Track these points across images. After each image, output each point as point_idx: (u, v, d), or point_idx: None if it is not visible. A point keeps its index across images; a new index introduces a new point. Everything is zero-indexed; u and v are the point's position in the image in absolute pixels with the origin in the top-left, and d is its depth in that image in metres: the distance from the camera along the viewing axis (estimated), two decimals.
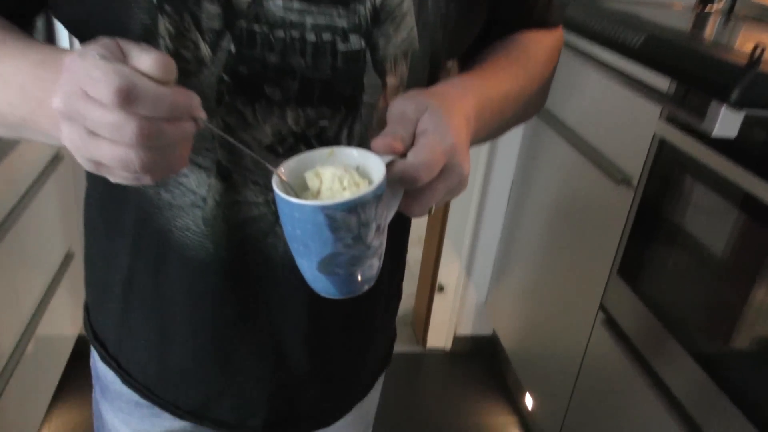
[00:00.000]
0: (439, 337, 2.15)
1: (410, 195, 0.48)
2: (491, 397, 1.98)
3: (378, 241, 0.47)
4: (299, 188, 0.48)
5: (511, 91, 0.61)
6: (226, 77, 0.50)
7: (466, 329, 2.16)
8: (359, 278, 0.48)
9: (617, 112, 1.34)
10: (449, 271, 2.05)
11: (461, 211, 1.95)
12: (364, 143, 0.56)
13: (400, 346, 2.16)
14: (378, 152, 0.46)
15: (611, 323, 1.32)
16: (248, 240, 0.57)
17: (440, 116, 0.48)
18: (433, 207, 0.49)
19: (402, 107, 0.49)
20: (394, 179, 0.46)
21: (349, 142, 0.56)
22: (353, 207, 0.42)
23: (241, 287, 0.60)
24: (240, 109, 0.52)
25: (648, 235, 1.22)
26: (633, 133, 1.27)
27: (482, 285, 2.09)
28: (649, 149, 1.21)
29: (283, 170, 0.47)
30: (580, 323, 1.44)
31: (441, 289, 2.06)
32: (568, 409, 1.50)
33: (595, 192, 1.41)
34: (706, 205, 1.08)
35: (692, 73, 0.99)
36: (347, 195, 0.44)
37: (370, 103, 0.55)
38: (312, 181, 0.47)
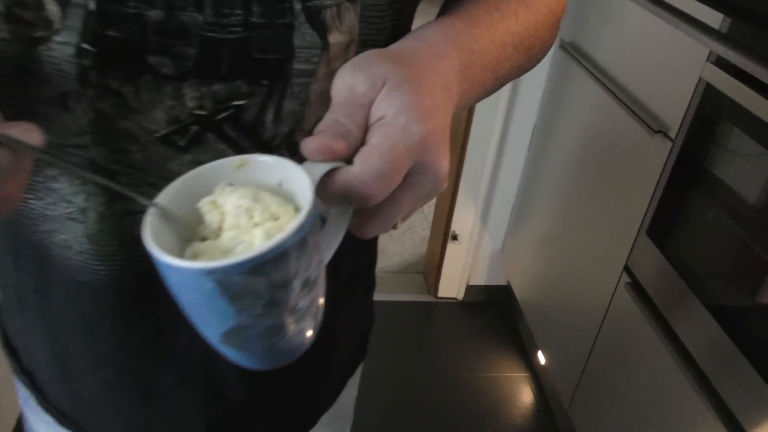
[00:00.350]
0: (451, 286, 2.07)
1: (363, 213, 0.35)
2: (503, 350, 1.91)
3: (308, 300, 0.33)
4: (193, 223, 0.35)
5: (509, 34, 0.45)
6: (87, 46, 0.36)
7: (480, 279, 2.07)
8: (285, 348, 0.35)
9: (658, 52, 1.18)
10: (464, 219, 1.94)
11: (479, 155, 1.82)
12: (300, 126, 0.43)
13: (410, 295, 2.09)
14: (312, 158, 0.33)
15: (636, 286, 1.21)
16: (149, 260, 0.47)
17: (404, 94, 0.34)
18: (398, 222, 0.37)
19: (349, 82, 0.35)
20: (337, 196, 0.33)
21: (278, 126, 0.42)
22: (258, 267, 0.29)
23: (148, 313, 0.48)
24: (116, 90, 0.38)
25: (683, 193, 1.09)
26: (675, 76, 1.12)
27: (498, 234, 1.98)
28: (692, 96, 1.06)
29: (166, 197, 0.33)
30: (602, 283, 1.34)
31: (455, 238, 1.96)
32: (585, 368, 1.42)
33: (627, 142, 1.27)
34: (750, 161, 0.94)
35: (748, 8, 0.84)
36: (251, 248, 0.31)
37: (305, 71, 0.41)
38: (209, 214, 0.34)
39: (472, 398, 1.74)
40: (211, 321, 0.32)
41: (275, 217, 0.33)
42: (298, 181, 0.33)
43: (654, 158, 1.16)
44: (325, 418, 0.69)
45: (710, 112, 1.03)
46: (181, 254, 0.34)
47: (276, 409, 0.61)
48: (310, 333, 0.36)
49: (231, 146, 0.42)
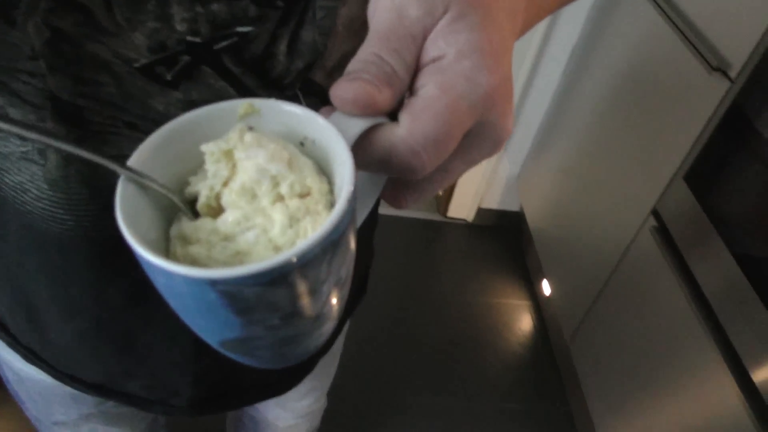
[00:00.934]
0: (462, 208, 2.01)
1: (402, 181, 0.28)
2: (507, 277, 1.89)
3: (335, 301, 0.26)
4: (180, 183, 0.26)
5: None
6: None
7: (492, 203, 2.01)
8: (298, 353, 0.28)
9: None
10: None
11: None
12: (320, 63, 0.34)
13: (418, 212, 2.04)
14: (345, 110, 0.25)
15: (662, 231, 1.15)
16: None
17: (470, 28, 0.25)
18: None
19: (397, 2, 0.25)
20: (374, 163, 0.25)
21: (292, 61, 0.33)
22: (279, 278, 0.22)
23: (127, 267, 0.41)
24: (80, 4, 0.29)
25: (732, 140, 1.00)
26: (747, 7, 1.00)
27: (517, 158, 1.90)
28: (764, 33, 0.95)
29: (144, 155, 0.24)
30: (625, 223, 1.28)
31: None
32: (593, 305, 1.39)
33: (679, 76, 1.16)
34: None
35: None
36: (264, 241, 0.23)
37: None
38: (215, 165, 0.25)
39: (472, 322, 1.73)
40: (209, 329, 0.25)
41: (304, 193, 0.24)
42: (330, 144, 0.24)
43: (706, 98, 1.06)
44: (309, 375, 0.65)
45: None
46: (165, 232, 0.25)
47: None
48: (328, 333, 0.29)
49: (232, 84, 0.33)
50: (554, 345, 1.69)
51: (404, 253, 1.90)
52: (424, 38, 0.26)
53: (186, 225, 0.25)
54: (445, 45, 0.25)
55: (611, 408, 1.28)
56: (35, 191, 0.37)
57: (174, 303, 0.25)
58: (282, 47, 0.33)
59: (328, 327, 0.28)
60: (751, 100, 0.98)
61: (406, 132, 0.24)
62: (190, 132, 0.26)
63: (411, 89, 0.26)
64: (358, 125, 0.25)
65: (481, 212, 2.02)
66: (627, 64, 1.38)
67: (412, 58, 0.26)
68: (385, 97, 0.25)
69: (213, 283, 0.21)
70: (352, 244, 0.25)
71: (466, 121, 0.25)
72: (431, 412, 1.50)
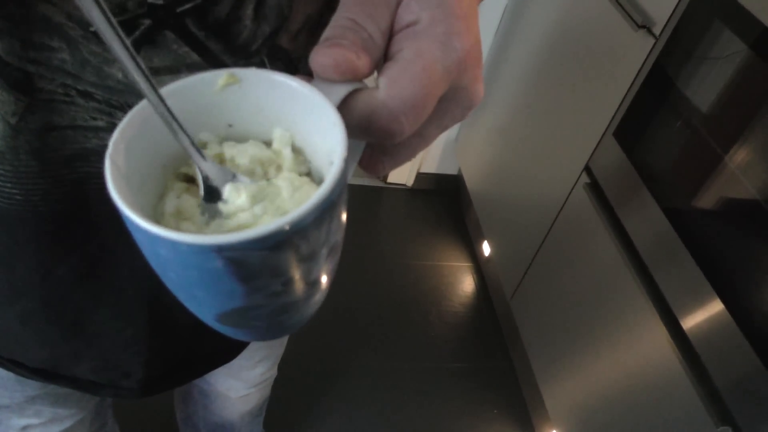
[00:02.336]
0: (402, 173, 2.01)
1: (379, 147, 0.28)
2: (448, 239, 1.91)
3: (330, 266, 0.27)
4: (166, 150, 0.26)
5: None
6: None
7: (431, 167, 2.02)
8: (293, 322, 0.28)
9: None
10: None
11: None
12: (286, 26, 0.33)
13: (359, 179, 2.03)
14: (326, 75, 0.25)
15: (594, 187, 1.19)
16: (85, 183, 0.36)
17: None
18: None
19: None
20: (353, 128, 0.25)
21: (259, 25, 0.32)
22: (286, 239, 0.22)
23: (78, 243, 0.39)
24: None
25: (657, 96, 1.03)
26: None
27: None
28: None
29: (132, 125, 0.24)
30: (560, 181, 1.31)
31: None
32: (532, 263, 1.43)
33: (606, 35, 1.19)
34: (733, 67, 0.89)
35: None
36: (273, 206, 0.24)
37: None
38: (199, 141, 0.25)
39: (415, 284, 1.75)
40: (208, 301, 0.25)
41: (297, 167, 0.25)
42: (316, 109, 0.24)
43: (633, 56, 1.09)
44: None
45: (702, 9, 0.95)
46: (157, 201, 0.25)
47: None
48: (320, 301, 0.29)
49: (195, 49, 0.32)
50: (496, 304, 1.73)
51: (346, 220, 1.89)
52: (398, 4, 0.26)
53: (180, 193, 0.25)
54: (418, 10, 0.26)
55: (551, 360, 1.33)
56: None
57: (174, 276, 0.24)
58: (248, 11, 0.32)
59: (321, 294, 0.28)
60: (672, 58, 1.00)
61: (385, 96, 0.25)
62: (172, 104, 0.25)
63: (386, 54, 0.26)
64: (339, 91, 0.25)
65: (420, 176, 2.03)
66: (556, 23, 1.39)
67: (387, 24, 0.26)
68: (363, 63, 0.25)
69: (220, 249, 0.21)
70: (345, 207, 0.26)
71: (441, 84, 0.25)
72: (378, 375, 1.52)
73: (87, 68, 0.31)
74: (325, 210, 0.22)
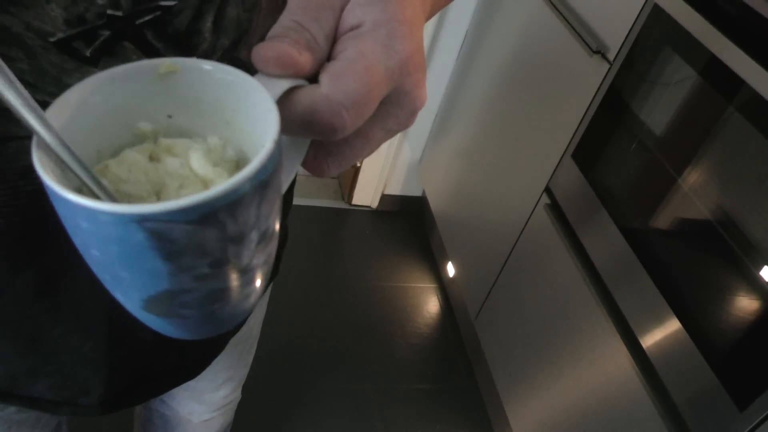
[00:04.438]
0: (366, 194, 2.02)
1: (324, 147, 0.28)
2: (413, 261, 1.92)
3: (263, 255, 0.26)
4: (119, 143, 0.26)
5: None
6: None
7: (395, 189, 2.03)
8: (226, 315, 0.28)
9: None
10: None
11: None
12: (245, 39, 0.34)
13: (324, 201, 2.02)
14: (266, 70, 0.25)
15: (554, 208, 1.21)
16: (41, 195, 0.36)
17: (387, 0, 0.27)
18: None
19: None
20: (295, 123, 0.26)
21: (217, 37, 0.33)
22: (211, 213, 0.21)
23: (35, 256, 0.39)
24: None
25: (613, 119, 1.07)
26: None
27: (418, 144, 1.93)
28: (637, 17, 1.02)
29: (59, 113, 0.24)
30: (521, 202, 1.33)
31: None
32: (495, 283, 1.44)
33: (563, 60, 1.22)
34: (684, 91, 0.93)
35: None
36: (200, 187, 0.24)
37: None
38: (138, 130, 0.26)
39: (380, 306, 1.75)
40: (133, 283, 0.24)
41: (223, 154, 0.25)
42: (252, 99, 0.24)
43: (589, 80, 1.13)
44: (232, 341, 0.64)
45: (654, 37, 0.99)
46: (87, 180, 0.25)
47: (183, 343, 0.55)
48: (257, 295, 0.29)
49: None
50: (460, 324, 1.74)
51: (311, 242, 1.89)
52: (342, 9, 0.27)
53: (111, 165, 0.25)
54: (362, 14, 0.27)
55: (515, 379, 1.34)
56: None
57: (97, 254, 0.23)
58: (207, 24, 0.32)
59: (255, 288, 0.28)
60: (626, 83, 1.04)
61: (327, 90, 0.25)
62: (108, 91, 0.25)
63: (330, 57, 0.27)
64: (280, 85, 0.25)
65: (384, 198, 2.04)
66: (515, 48, 1.43)
67: (330, 28, 0.27)
68: (305, 59, 0.25)
69: (142, 219, 0.20)
70: (279, 194, 0.25)
71: (383, 84, 0.26)
72: (343, 396, 1.50)
73: (46, 78, 0.31)
74: (253, 188, 0.22)
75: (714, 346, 0.83)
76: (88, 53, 0.31)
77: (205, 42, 0.33)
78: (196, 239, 0.22)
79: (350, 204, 2.04)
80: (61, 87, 0.32)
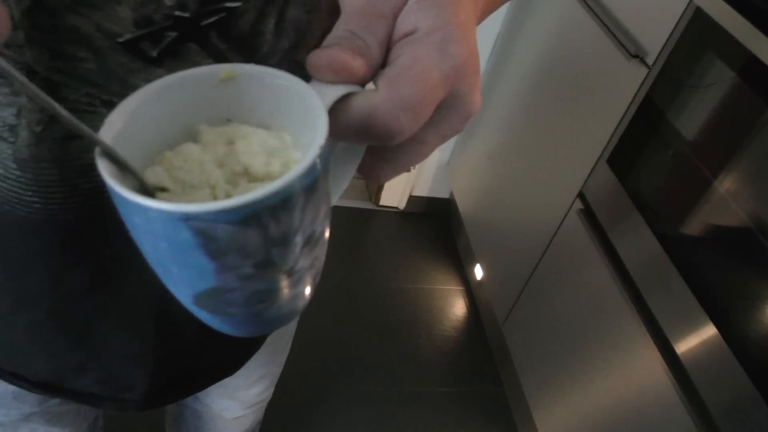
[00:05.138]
0: (394, 195, 2.02)
1: (379, 153, 0.28)
2: (439, 263, 1.92)
3: (309, 259, 0.26)
4: (158, 140, 0.26)
5: None
6: None
7: (423, 190, 2.03)
8: (274, 316, 0.28)
9: None
10: None
11: None
12: (304, 41, 0.34)
13: (351, 201, 2.03)
14: (321, 76, 0.25)
15: (588, 213, 1.20)
16: (100, 193, 0.36)
17: (438, 4, 0.26)
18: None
19: None
20: (351, 129, 0.26)
21: (279, 40, 0.33)
22: (253, 215, 0.22)
23: (90, 254, 0.40)
24: None
25: (650, 124, 1.05)
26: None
27: (447, 145, 1.93)
28: (678, 20, 1.00)
29: (125, 112, 0.25)
30: (553, 207, 1.32)
31: None
32: (524, 288, 1.43)
33: (600, 64, 1.21)
34: (724, 94, 0.91)
35: None
36: (247, 191, 0.24)
37: None
38: (196, 133, 0.26)
39: (406, 308, 1.74)
40: (182, 279, 0.25)
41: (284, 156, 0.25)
42: (305, 104, 0.25)
43: (626, 85, 1.11)
44: (267, 340, 0.65)
45: (695, 40, 0.97)
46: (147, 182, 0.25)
47: (225, 342, 0.55)
48: (305, 298, 0.29)
49: (217, 61, 0.33)
50: (487, 328, 1.73)
51: (337, 242, 1.89)
52: (394, 17, 0.27)
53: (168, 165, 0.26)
54: (415, 20, 0.26)
55: (543, 385, 1.32)
56: (1, 170, 0.35)
57: (150, 249, 0.24)
58: (269, 25, 0.33)
59: (302, 291, 0.28)
60: (664, 88, 1.03)
61: (383, 97, 0.25)
62: (168, 97, 0.25)
63: (385, 63, 0.27)
64: (335, 91, 0.25)
65: (412, 200, 2.04)
66: (550, 51, 1.42)
67: (384, 35, 0.27)
68: (358, 65, 0.25)
69: (186, 218, 0.21)
70: (326, 199, 0.25)
71: (439, 89, 0.26)
72: (367, 398, 1.50)
73: (112, 78, 0.32)
74: (297, 192, 0.22)
75: (751, 352, 0.82)
76: (154, 54, 0.32)
77: (266, 44, 0.34)
78: (239, 239, 0.22)
79: (377, 205, 2.04)
80: (126, 87, 0.32)
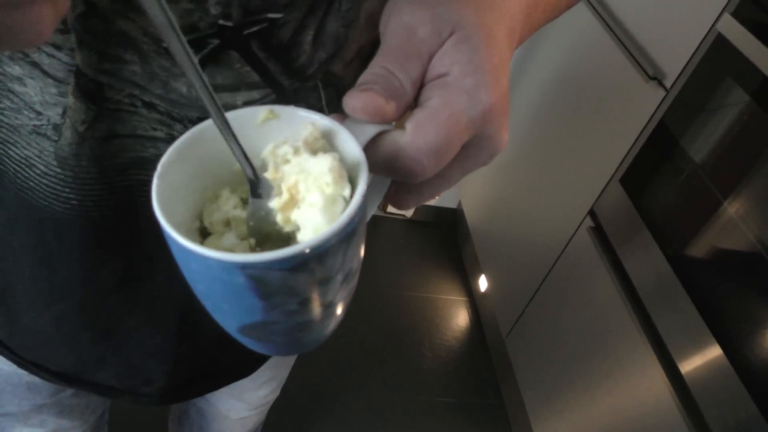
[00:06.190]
0: None
1: (404, 185, 0.30)
2: (444, 272, 1.92)
3: (346, 292, 0.29)
4: (222, 180, 0.29)
5: None
6: None
7: (431, 200, 2.04)
8: (310, 340, 0.30)
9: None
10: None
11: None
12: (340, 53, 0.35)
13: None
14: (356, 116, 0.27)
15: (598, 231, 1.21)
16: (136, 191, 0.38)
17: (473, 49, 0.27)
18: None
19: (408, 22, 0.28)
20: (379, 166, 0.28)
21: (316, 51, 0.34)
22: (303, 263, 0.24)
23: (121, 250, 0.41)
24: None
25: (667, 144, 1.07)
26: (684, 22, 1.07)
27: None
28: (699, 46, 1.02)
29: (179, 149, 0.27)
30: (563, 223, 1.33)
31: None
32: (530, 301, 1.44)
33: (617, 84, 1.23)
34: (742, 121, 0.92)
35: None
36: (295, 243, 0.26)
37: None
38: (237, 170, 0.28)
39: (409, 316, 1.75)
40: (231, 313, 0.27)
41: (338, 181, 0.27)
42: (343, 146, 0.27)
43: (643, 106, 1.13)
44: None
45: (715, 66, 0.99)
46: (192, 218, 0.28)
47: (243, 346, 0.56)
48: (338, 321, 0.31)
49: (256, 69, 0.34)
50: (489, 340, 1.74)
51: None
52: (430, 57, 0.28)
53: (236, 214, 0.28)
54: (449, 63, 0.28)
55: (545, 399, 1.33)
56: (42, 167, 0.36)
57: (203, 288, 0.26)
58: (308, 36, 0.34)
59: (336, 317, 0.30)
60: (681, 111, 1.04)
61: (410, 138, 0.27)
62: (213, 136, 0.27)
63: (416, 102, 0.28)
64: (368, 131, 0.27)
65: (419, 208, 2.05)
66: (567, 68, 1.43)
67: (418, 75, 0.28)
68: (391, 108, 0.27)
69: (244, 266, 0.23)
70: (363, 238, 0.27)
71: (464, 133, 0.27)
72: (368, 404, 1.51)
73: (154, 81, 0.33)
74: (342, 239, 0.24)
75: (756, 374, 0.83)
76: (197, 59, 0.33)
77: (304, 54, 0.35)
78: (288, 283, 0.24)
79: (385, 212, 2.05)
80: (168, 90, 0.34)
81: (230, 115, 0.27)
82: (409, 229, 2.04)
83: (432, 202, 2.04)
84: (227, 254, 0.23)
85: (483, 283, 1.77)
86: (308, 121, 0.28)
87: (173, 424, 1.01)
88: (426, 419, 1.52)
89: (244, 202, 0.29)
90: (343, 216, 0.24)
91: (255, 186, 0.27)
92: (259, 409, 0.89)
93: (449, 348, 1.71)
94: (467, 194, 1.91)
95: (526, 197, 1.55)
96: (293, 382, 0.92)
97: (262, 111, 0.28)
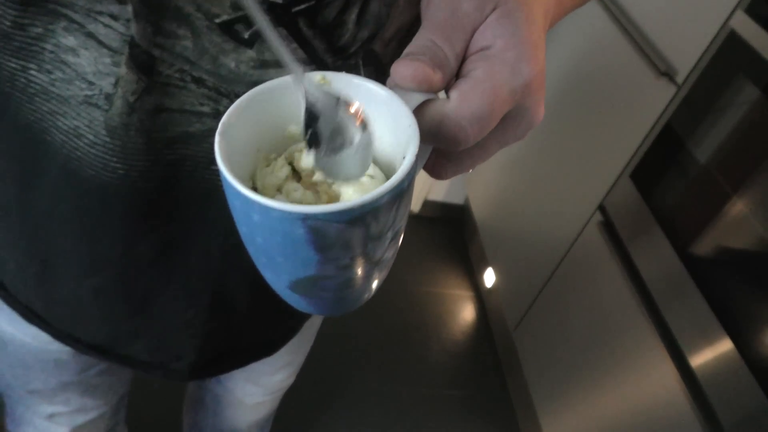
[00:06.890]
0: None
1: (444, 155, 0.31)
2: (451, 268, 1.93)
3: (392, 251, 0.30)
4: (274, 143, 0.30)
5: None
6: None
7: (438, 195, 2.05)
8: (355, 298, 0.32)
9: None
10: None
11: None
12: (381, 33, 0.37)
13: None
14: (404, 85, 0.28)
15: (607, 226, 1.22)
16: (180, 165, 0.39)
17: (515, 23, 0.29)
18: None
19: (452, 1, 0.29)
20: (423, 133, 0.28)
21: (359, 30, 0.36)
22: (363, 216, 0.25)
23: (162, 222, 0.42)
24: None
25: (676, 142, 1.07)
26: (696, 18, 1.07)
27: None
28: (711, 42, 1.02)
29: (239, 108, 0.28)
30: (572, 218, 1.34)
31: None
32: (538, 296, 1.45)
33: (628, 79, 1.23)
34: (753, 117, 0.93)
35: None
36: (357, 194, 0.28)
37: None
38: (288, 132, 0.30)
39: (416, 310, 1.76)
40: (285, 267, 0.28)
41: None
42: (393, 111, 0.28)
43: (654, 102, 1.13)
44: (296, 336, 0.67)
45: (727, 63, 0.99)
46: (247, 177, 0.29)
47: (269, 323, 0.57)
48: (380, 282, 0.33)
49: (302, 46, 0.35)
50: (496, 334, 1.74)
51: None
52: (473, 31, 0.29)
53: (289, 182, 0.29)
54: (492, 37, 0.29)
55: (553, 393, 1.34)
56: (91, 137, 0.37)
57: (261, 241, 0.27)
58: (352, 16, 0.35)
59: (381, 277, 0.32)
60: (692, 107, 1.05)
61: (455, 106, 0.28)
62: (267, 99, 0.28)
63: (459, 73, 0.29)
64: (415, 98, 0.28)
65: (427, 204, 2.05)
66: (577, 64, 1.44)
67: (461, 48, 0.29)
68: (438, 78, 0.28)
69: (305, 217, 0.24)
70: (410, 200, 0.29)
71: (506, 103, 0.28)
72: (375, 397, 1.52)
73: (204, 56, 0.34)
74: (396, 195, 0.25)
75: (767, 368, 0.83)
76: (246, 35, 0.34)
77: (347, 33, 0.36)
78: (345, 236, 0.25)
79: None
80: (217, 65, 0.35)
81: (279, 81, 0.29)
82: (416, 225, 2.05)
83: (439, 198, 2.05)
84: (291, 205, 0.24)
85: (490, 278, 1.78)
86: (363, 87, 0.29)
87: (187, 412, 1.03)
88: (432, 411, 1.53)
89: (294, 171, 0.30)
90: (397, 174, 0.25)
91: (313, 120, 0.28)
92: (275, 395, 0.90)
93: (457, 342, 1.72)
94: (476, 190, 1.91)
95: (535, 192, 1.55)
96: (302, 374, 0.93)
97: (315, 76, 0.29)
